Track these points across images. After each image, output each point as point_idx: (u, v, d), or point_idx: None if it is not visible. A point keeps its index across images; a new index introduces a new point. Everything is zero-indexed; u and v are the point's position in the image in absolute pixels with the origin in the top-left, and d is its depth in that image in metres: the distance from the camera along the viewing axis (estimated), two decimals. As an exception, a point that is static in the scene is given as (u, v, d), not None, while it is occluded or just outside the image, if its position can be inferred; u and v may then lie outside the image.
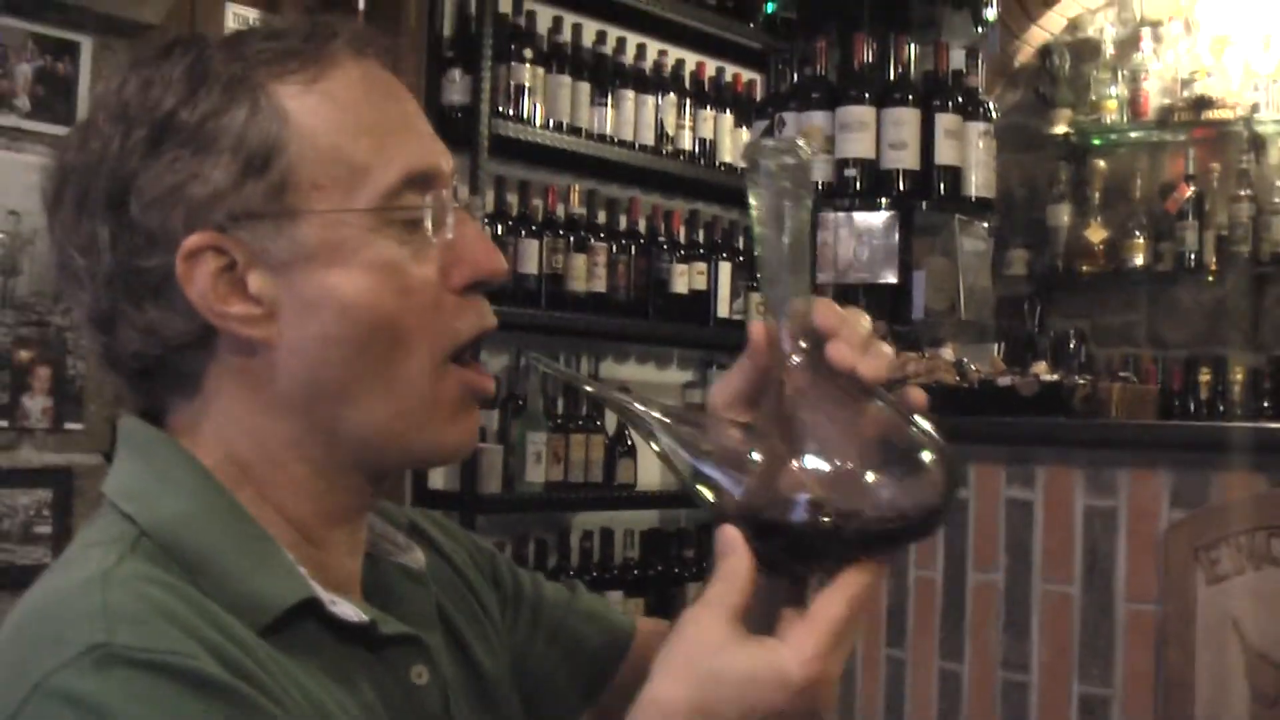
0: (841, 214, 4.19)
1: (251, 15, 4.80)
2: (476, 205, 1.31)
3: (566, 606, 1.58)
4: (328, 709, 1.15)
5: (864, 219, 4.19)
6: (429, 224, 1.23)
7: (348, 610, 1.22)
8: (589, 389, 1.34)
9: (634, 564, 5.53)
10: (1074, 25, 6.66)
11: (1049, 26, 6.61)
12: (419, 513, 1.51)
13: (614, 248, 5.39)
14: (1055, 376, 3.63)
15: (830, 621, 1.10)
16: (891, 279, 4.19)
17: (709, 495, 1.18)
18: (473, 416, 1.29)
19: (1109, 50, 6.48)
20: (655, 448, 1.21)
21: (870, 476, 1.12)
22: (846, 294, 4.38)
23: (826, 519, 1.11)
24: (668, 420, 1.20)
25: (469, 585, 1.48)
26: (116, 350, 1.23)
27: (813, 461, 1.13)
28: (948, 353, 3.90)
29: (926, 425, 1.16)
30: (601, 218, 5.44)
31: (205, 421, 1.24)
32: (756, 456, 1.16)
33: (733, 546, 1.13)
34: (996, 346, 4.58)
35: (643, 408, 1.21)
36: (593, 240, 5.32)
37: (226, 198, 1.18)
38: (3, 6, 3.82)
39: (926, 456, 1.13)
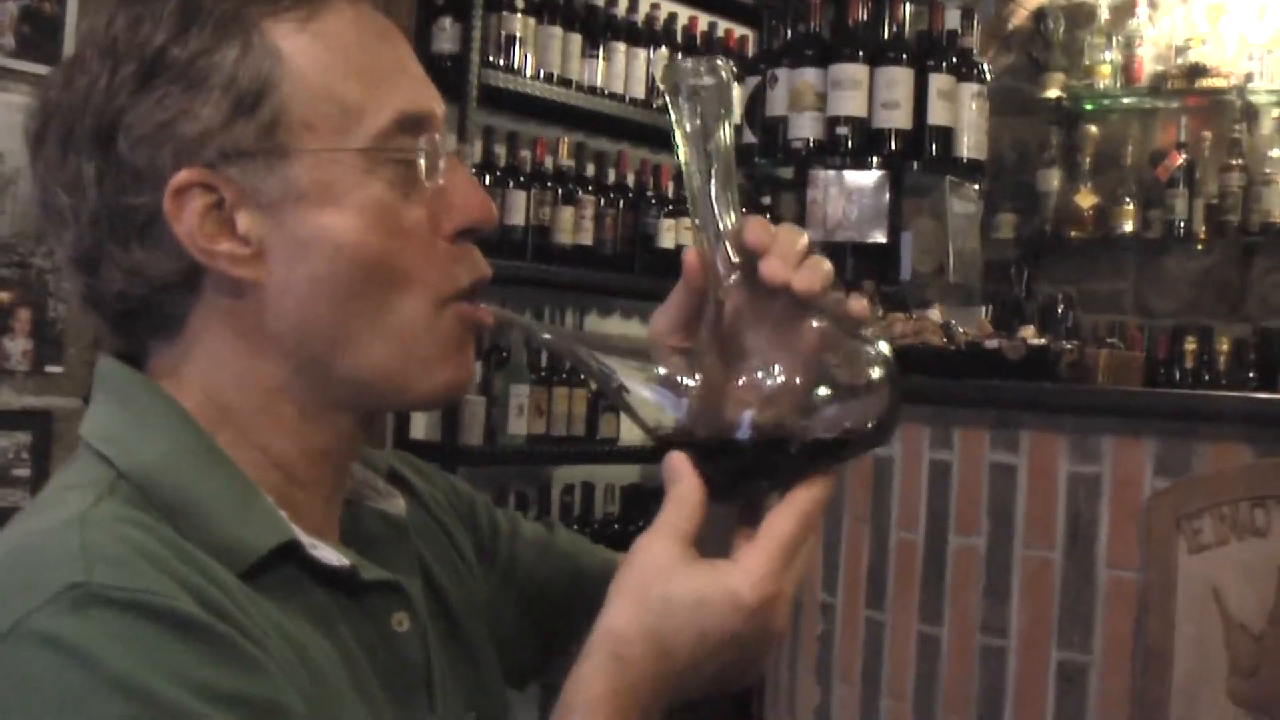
0: (832, 172, 4.17)
1: (241, -43, 4.76)
2: (466, 153, 1.30)
3: (542, 551, 1.57)
4: (308, 651, 1.14)
5: (854, 178, 4.17)
6: (421, 167, 1.22)
7: (329, 554, 1.21)
8: (543, 335, 1.33)
9: (614, 519, 5.53)
10: (1069, -11, 6.62)
11: (1044, -11, 6.58)
12: (397, 456, 1.51)
13: (602, 201, 5.37)
14: (1042, 341, 3.61)
15: (780, 540, 1.10)
16: (880, 239, 4.18)
17: (653, 423, 1.18)
18: (468, 354, 1.28)
19: (1104, 15, 6.44)
20: (599, 379, 1.22)
21: (812, 390, 1.12)
22: (834, 253, 4.36)
23: (769, 436, 1.12)
24: (607, 348, 1.20)
25: (446, 532, 1.48)
26: (99, 291, 1.22)
27: (753, 379, 1.13)
28: (935, 314, 3.89)
29: (868, 336, 1.16)
30: (590, 170, 5.43)
31: (188, 364, 1.23)
32: (697, 379, 1.15)
33: (680, 472, 1.13)
34: (984, 310, 4.57)
35: (585, 346, 1.22)
36: (580, 193, 5.30)
37: (216, 135, 1.16)
38: (-11, -58, 3.78)
39: (869, 367, 1.13)
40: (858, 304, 1.18)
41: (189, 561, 1.08)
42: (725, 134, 1.17)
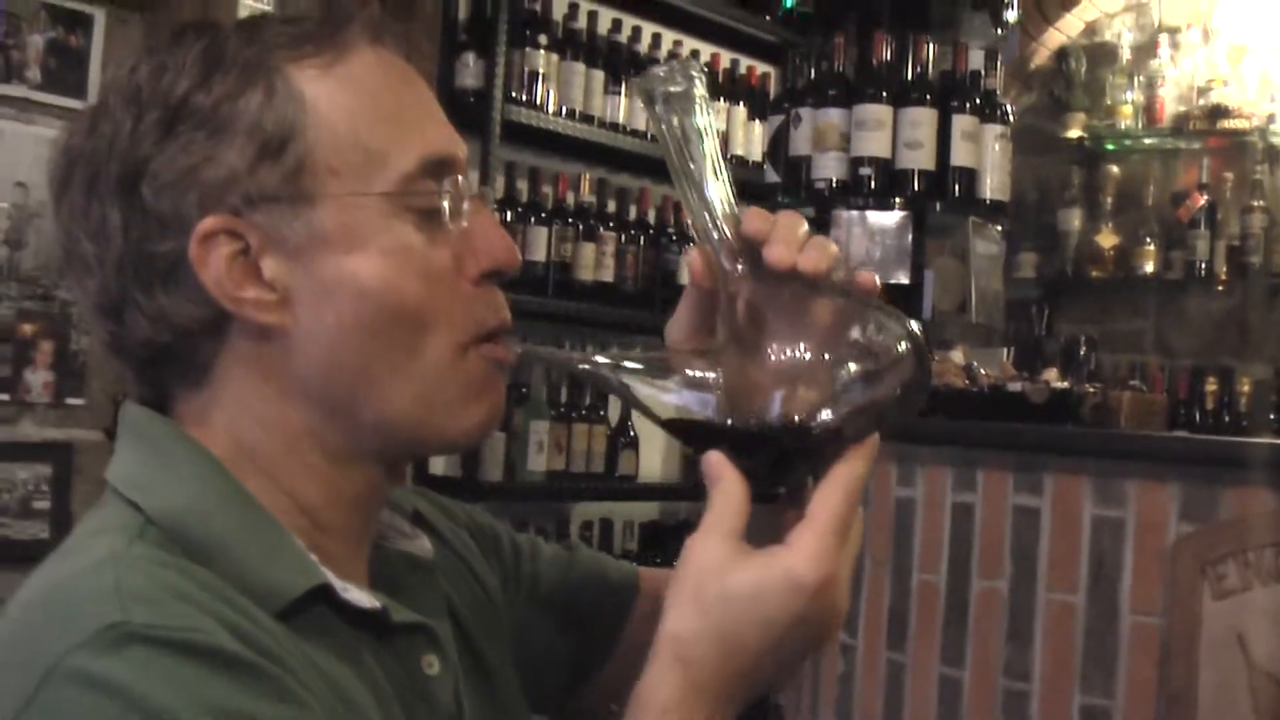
0: (855, 213, 4.16)
1: (266, -8, 4.78)
2: (488, 195, 1.30)
3: (566, 567, 1.57)
4: (345, 690, 1.14)
5: (877, 218, 4.16)
6: (446, 211, 1.22)
7: (360, 597, 1.20)
8: (581, 365, 1.33)
9: (633, 556, 5.51)
10: (1091, 29, 6.63)
11: (1066, 29, 6.58)
12: (419, 495, 1.50)
13: (623, 237, 5.37)
14: (1065, 384, 3.60)
15: (829, 517, 1.10)
16: (903, 279, 4.17)
17: (685, 429, 1.18)
18: (495, 393, 1.27)
19: (1126, 55, 6.45)
20: (626, 397, 1.21)
21: (837, 367, 1.11)
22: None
23: (802, 419, 1.11)
24: (629, 366, 1.20)
25: (471, 571, 1.47)
26: (125, 338, 1.21)
27: (777, 365, 1.13)
28: (958, 355, 3.88)
29: (883, 305, 1.15)
30: (611, 207, 5.43)
31: (215, 410, 1.22)
32: (720, 376, 1.15)
33: (720, 470, 1.13)
34: (1006, 351, 4.56)
35: (606, 360, 1.21)
36: (602, 229, 5.30)
37: (241, 181, 1.16)
38: (17, -24, 3.80)
39: (889, 335, 1.12)
40: (866, 276, 1.18)
41: (225, 601, 1.08)
42: (707, 134, 1.17)
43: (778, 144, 4.35)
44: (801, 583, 1.07)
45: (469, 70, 4.95)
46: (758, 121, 5.76)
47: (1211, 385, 6.02)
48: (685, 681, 1.08)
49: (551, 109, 5.09)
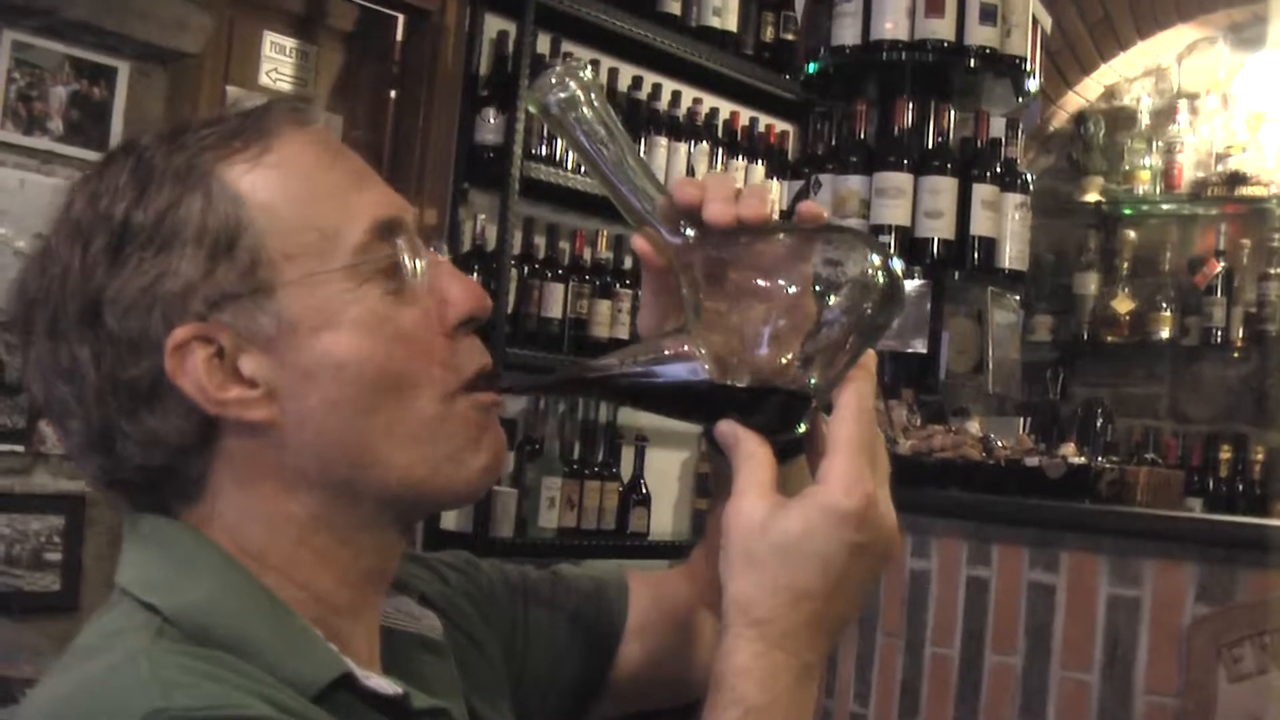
0: (874, 280, 4.15)
1: (289, 44, 4.80)
2: (443, 250, 1.30)
3: (551, 613, 1.57)
4: None
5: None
6: (406, 270, 1.22)
7: (382, 684, 1.19)
8: (539, 384, 1.33)
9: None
10: (1110, 93, 6.64)
11: (1085, 93, 6.60)
12: (412, 561, 1.49)
13: (638, 295, 5.34)
14: (1082, 459, 3.59)
15: (849, 442, 1.10)
16: (921, 349, 4.16)
17: (685, 407, 1.20)
18: (493, 435, 1.27)
19: (1144, 120, 6.47)
20: (618, 397, 1.25)
21: (808, 297, 1.12)
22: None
23: (789, 358, 1.11)
24: (612, 367, 1.20)
25: (474, 641, 1.47)
26: (117, 469, 1.20)
27: (753, 315, 1.13)
28: (974, 427, 3.87)
29: (834, 225, 1.17)
30: (628, 264, 5.41)
31: (215, 520, 1.21)
32: (700, 345, 1.15)
33: (734, 434, 1.13)
34: (1022, 421, 4.55)
35: (590, 369, 1.22)
36: (618, 286, 5.29)
37: (200, 287, 1.16)
38: (41, 29, 3.80)
39: (850, 251, 1.13)
40: (808, 204, 1.19)
41: (260, 681, 1.08)
42: (614, 125, 1.18)
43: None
44: (844, 512, 1.08)
45: (489, 126, 4.95)
46: (775, 180, 5.76)
47: (1225, 453, 6.02)
48: (760, 641, 1.08)
49: (570, 165, 5.10)
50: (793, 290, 1.12)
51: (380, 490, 1.21)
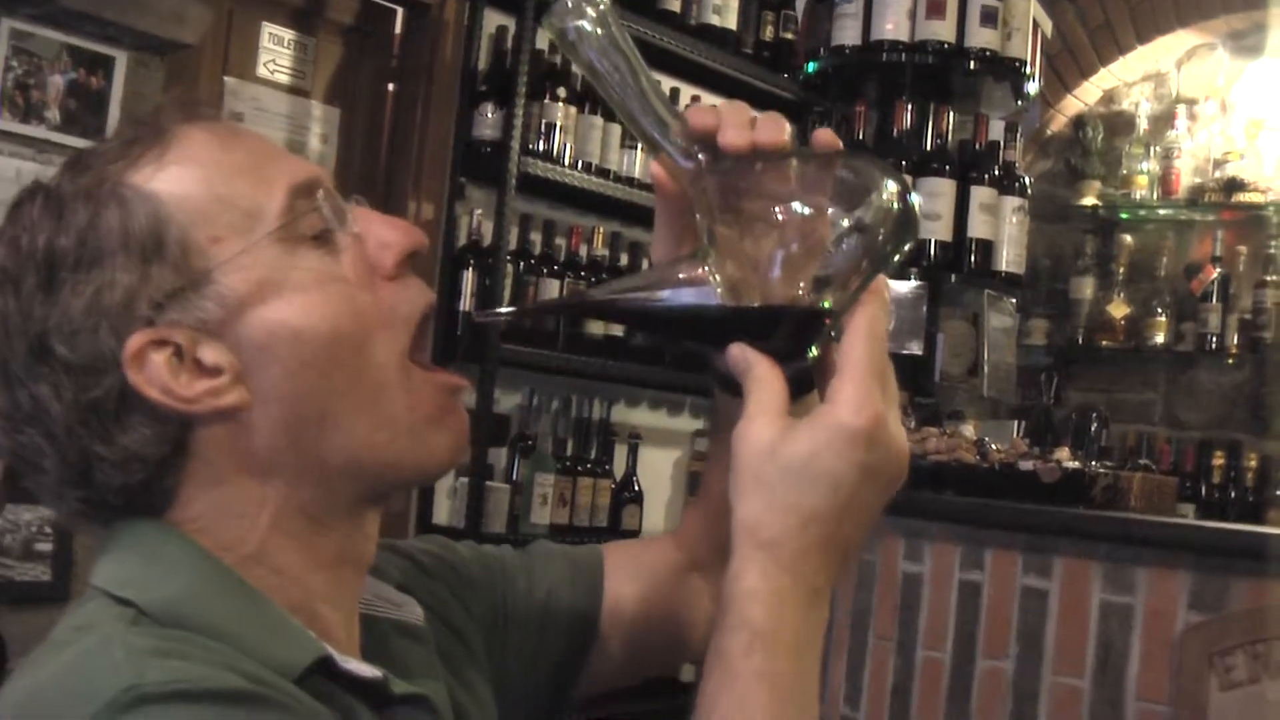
0: (870, 282, 4.15)
1: (287, 35, 4.79)
2: (363, 201, 1.31)
3: (530, 595, 1.56)
4: None
5: (893, 288, 4.14)
6: (334, 224, 1.23)
7: (360, 667, 1.19)
8: (545, 306, 1.31)
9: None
10: (1109, 98, 6.64)
11: (1084, 97, 6.60)
12: (389, 550, 1.48)
13: (635, 292, 5.35)
14: (1077, 464, 3.58)
15: (859, 363, 1.09)
16: (917, 351, 4.16)
17: (697, 331, 1.19)
18: (456, 416, 1.27)
19: (1143, 125, 6.47)
20: (629, 320, 1.25)
21: (821, 221, 1.11)
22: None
23: (802, 282, 1.11)
24: (625, 291, 1.21)
25: (453, 629, 1.46)
26: (98, 497, 1.20)
27: (762, 239, 1.13)
28: (969, 430, 3.87)
29: (845, 153, 1.16)
30: (624, 260, 5.41)
31: (189, 520, 1.21)
32: (712, 268, 1.15)
33: (746, 358, 1.13)
34: (1017, 425, 4.55)
35: (600, 293, 1.25)
36: (614, 284, 5.28)
37: (140, 292, 1.16)
38: (40, 17, 3.79)
39: (865, 177, 1.13)
40: (822, 133, 1.18)
41: (233, 657, 1.08)
42: (630, 51, 1.17)
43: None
44: (853, 431, 1.06)
45: (487, 121, 4.94)
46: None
47: (1219, 460, 6.02)
48: (769, 563, 1.07)
49: (568, 162, 5.09)
50: (807, 215, 1.12)
51: (346, 461, 1.21)
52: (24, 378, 1.17)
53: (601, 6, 1.18)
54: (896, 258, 1.13)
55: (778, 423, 1.09)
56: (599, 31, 1.17)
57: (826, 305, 1.11)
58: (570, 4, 1.17)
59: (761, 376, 1.11)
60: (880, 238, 1.11)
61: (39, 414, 1.17)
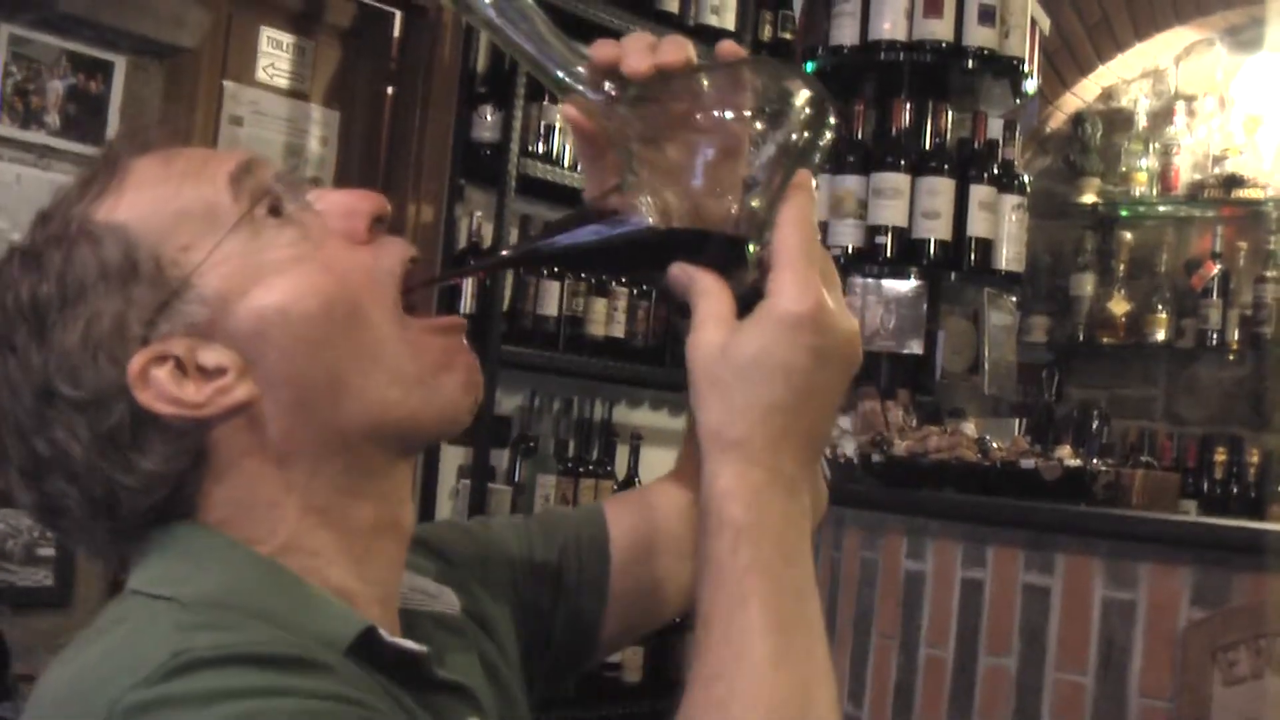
0: (870, 280, 4.16)
1: (286, 39, 4.79)
2: (321, 182, 1.33)
3: (545, 575, 1.56)
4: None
5: (892, 286, 4.16)
6: (288, 197, 1.25)
7: (405, 642, 1.20)
8: (476, 266, 1.31)
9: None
10: (1108, 94, 6.64)
11: (1083, 94, 6.59)
12: (417, 550, 1.45)
13: (634, 293, 5.36)
14: (1078, 461, 3.58)
15: (791, 251, 1.09)
16: (917, 349, 4.16)
17: (634, 259, 1.19)
18: (464, 357, 1.28)
19: (1142, 122, 6.46)
20: (569, 261, 1.26)
21: (739, 126, 1.12)
22: (869, 361, 4.34)
23: (729, 192, 1.12)
24: (561, 232, 1.20)
25: (485, 624, 1.46)
26: (124, 525, 1.21)
27: (684, 158, 1.13)
28: (970, 428, 3.87)
29: (747, 59, 1.18)
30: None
31: (219, 521, 1.22)
32: (641, 196, 1.15)
33: (686, 274, 1.12)
34: (1018, 423, 4.55)
35: (537, 241, 1.24)
36: (614, 285, 5.29)
37: (128, 315, 1.18)
38: (39, 23, 3.79)
39: (772, 77, 1.13)
40: (725, 44, 1.19)
41: (280, 634, 1.09)
42: (525, 10, 1.19)
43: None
44: (797, 318, 1.07)
45: (486, 123, 4.95)
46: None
47: (1220, 455, 6.02)
48: (739, 461, 1.07)
49: (567, 163, 5.09)
50: (721, 123, 1.13)
51: (364, 424, 1.22)
52: (37, 427, 1.19)
53: None
54: (817, 152, 1.14)
55: (725, 326, 1.09)
56: None
57: (755, 205, 1.11)
58: None
59: (705, 289, 1.11)
60: (795, 133, 1.12)
61: (58, 458, 1.18)
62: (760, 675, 1.03)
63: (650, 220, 1.14)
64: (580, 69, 1.18)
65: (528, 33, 1.18)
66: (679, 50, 1.16)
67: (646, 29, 4.65)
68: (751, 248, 1.13)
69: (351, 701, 1.05)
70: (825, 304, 1.08)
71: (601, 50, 1.18)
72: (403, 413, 1.23)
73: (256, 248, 1.21)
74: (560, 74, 1.19)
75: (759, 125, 1.12)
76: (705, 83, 1.15)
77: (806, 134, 1.12)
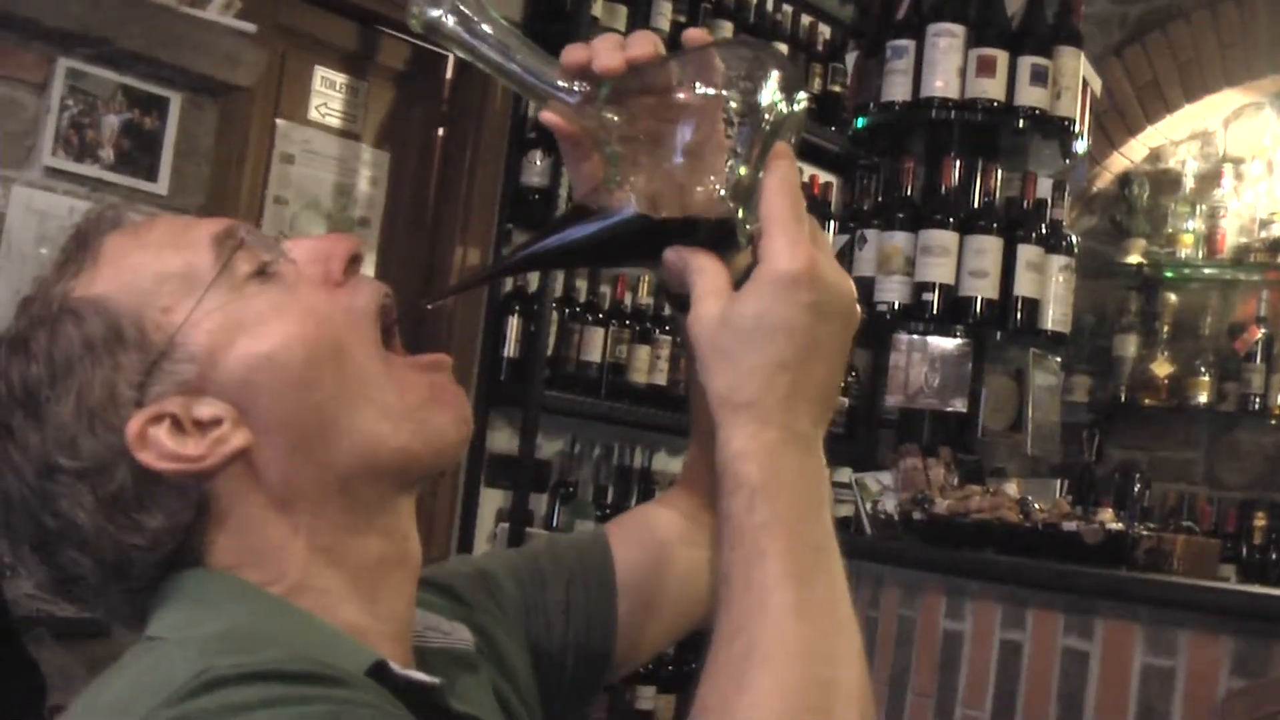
0: (915, 337, 4.16)
1: (340, 79, 4.83)
2: (289, 235, 1.35)
3: (554, 609, 1.57)
4: None
5: (938, 344, 4.15)
6: (269, 255, 1.26)
7: (418, 674, 1.19)
8: (485, 274, 1.32)
9: (668, 659, 5.48)
10: (1155, 155, 6.63)
11: (1130, 154, 6.58)
12: (429, 589, 1.47)
13: (676, 341, 5.37)
14: (1120, 526, 3.57)
15: (780, 214, 1.11)
16: (961, 407, 4.15)
17: (627, 249, 1.22)
18: (451, 392, 1.30)
19: (1189, 184, 6.45)
20: (565, 259, 1.29)
21: (714, 109, 1.15)
22: (912, 419, 4.34)
23: (712, 173, 1.15)
24: (554, 234, 1.24)
25: (501, 662, 1.48)
26: (135, 584, 1.23)
27: (664, 147, 1.16)
28: (1012, 489, 3.86)
29: (716, 41, 1.20)
30: (668, 310, 5.41)
31: (228, 567, 1.23)
32: (627, 189, 1.18)
33: (681, 256, 1.15)
34: (1060, 484, 4.53)
35: (532, 245, 1.25)
36: (658, 332, 5.30)
37: (118, 381, 1.20)
38: (96, 58, 3.83)
39: (740, 58, 1.16)
40: (693, 31, 1.22)
41: (299, 655, 1.09)
42: (492, 21, 1.20)
43: (841, 263, 4.34)
44: (792, 276, 1.08)
45: (535, 168, 4.98)
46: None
47: (1260, 520, 5.97)
48: (750, 422, 1.09)
49: (615, 211, 5.11)
50: (696, 103, 1.15)
51: (358, 460, 1.23)
52: (43, 503, 1.20)
53: None
54: (791, 122, 1.17)
55: (722, 296, 1.12)
56: (462, 8, 1.20)
57: (742, 172, 1.14)
58: (427, 3, 1.21)
59: (700, 266, 1.14)
60: (768, 106, 1.14)
61: (67, 529, 1.20)
62: (780, 626, 1.04)
63: (635, 210, 1.17)
64: (554, 75, 1.21)
65: (498, 47, 1.21)
66: (647, 43, 1.19)
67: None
68: (741, 223, 1.16)
69: (375, 707, 1.05)
70: (818, 261, 1.10)
71: (572, 54, 1.21)
72: (395, 445, 1.25)
73: (238, 302, 1.23)
74: (536, 82, 1.21)
75: (734, 103, 1.14)
76: (676, 69, 1.18)
77: (780, 107, 1.15)
